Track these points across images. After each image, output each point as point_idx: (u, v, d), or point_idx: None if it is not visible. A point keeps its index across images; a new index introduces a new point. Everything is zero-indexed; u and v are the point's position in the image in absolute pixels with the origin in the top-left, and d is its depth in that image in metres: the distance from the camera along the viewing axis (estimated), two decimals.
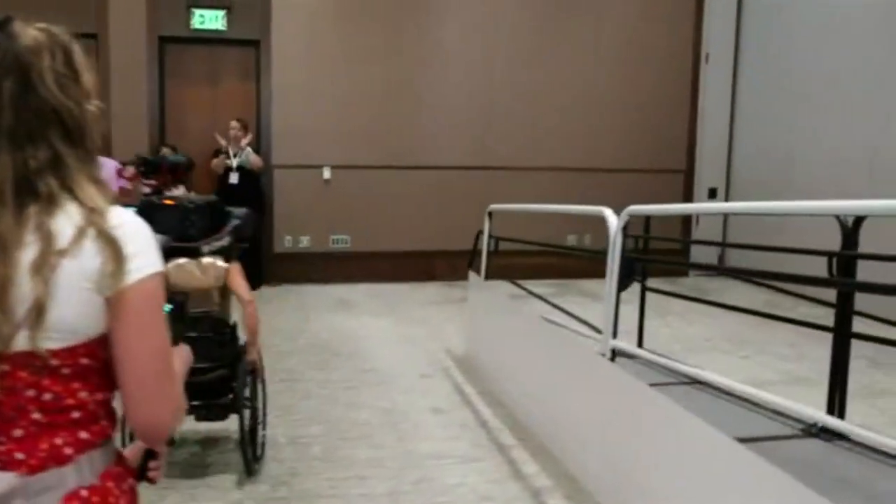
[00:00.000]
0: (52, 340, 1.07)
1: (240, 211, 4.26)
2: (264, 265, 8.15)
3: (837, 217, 3.64)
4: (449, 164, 8.46)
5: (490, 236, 5.19)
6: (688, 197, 9.19)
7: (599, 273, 5.23)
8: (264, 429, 3.75)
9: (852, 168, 7.23)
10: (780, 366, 5.44)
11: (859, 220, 3.48)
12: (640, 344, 5.52)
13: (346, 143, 8.21)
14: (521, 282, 8.50)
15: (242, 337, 3.65)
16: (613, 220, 3.29)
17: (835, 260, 3.63)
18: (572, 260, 8.29)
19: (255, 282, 8.02)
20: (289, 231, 8.23)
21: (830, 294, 3.59)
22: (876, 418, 4.47)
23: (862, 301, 3.52)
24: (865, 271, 3.33)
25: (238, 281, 3.64)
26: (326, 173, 8.20)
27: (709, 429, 2.48)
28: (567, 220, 8.79)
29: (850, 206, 3.09)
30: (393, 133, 8.31)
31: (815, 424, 3.85)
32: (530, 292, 8.25)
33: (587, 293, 7.76)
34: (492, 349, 5.08)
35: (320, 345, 5.86)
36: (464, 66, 8.45)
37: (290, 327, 6.38)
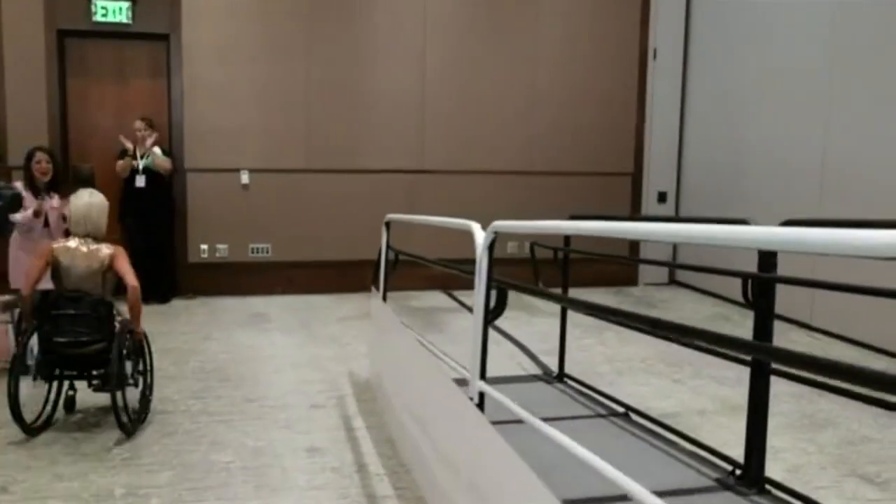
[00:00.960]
0: None
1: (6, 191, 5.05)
2: (177, 276, 7.55)
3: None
4: (380, 167, 7.90)
5: (389, 248, 4.63)
6: (636, 201, 8.69)
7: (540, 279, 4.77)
8: (150, 394, 4.40)
9: (803, 173, 6.74)
10: (715, 391, 4.92)
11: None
12: (561, 368, 5.02)
13: (265, 145, 7.63)
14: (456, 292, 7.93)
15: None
16: (479, 237, 2.74)
17: (750, 283, 3.12)
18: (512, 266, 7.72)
19: (165, 293, 7.49)
20: (204, 239, 7.63)
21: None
22: (811, 457, 3.96)
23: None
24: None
25: (124, 266, 4.19)
26: (244, 177, 7.61)
27: (541, 489, 1.96)
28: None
29: (755, 236, 2.55)
30: (317, 134, 7.73)
31: (732, 472, 3.34)
32: (461, 303, 7.70)
33: (520, 306, 7.22)
34: (387, 376, 4.52)
35: (212, 368, 5.27)
36: (394, 64, 7.89)
37: (187, 347, 5.79)
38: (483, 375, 2.81)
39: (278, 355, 5.62)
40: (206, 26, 7.41)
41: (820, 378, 2.41)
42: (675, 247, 8.67)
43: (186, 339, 6.04)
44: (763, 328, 3.03)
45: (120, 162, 7.07)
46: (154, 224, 7.20)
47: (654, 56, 8.45)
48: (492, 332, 4.90)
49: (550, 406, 4.30)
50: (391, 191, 7.91)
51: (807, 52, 6.74)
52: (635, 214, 8.67)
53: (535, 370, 5.29)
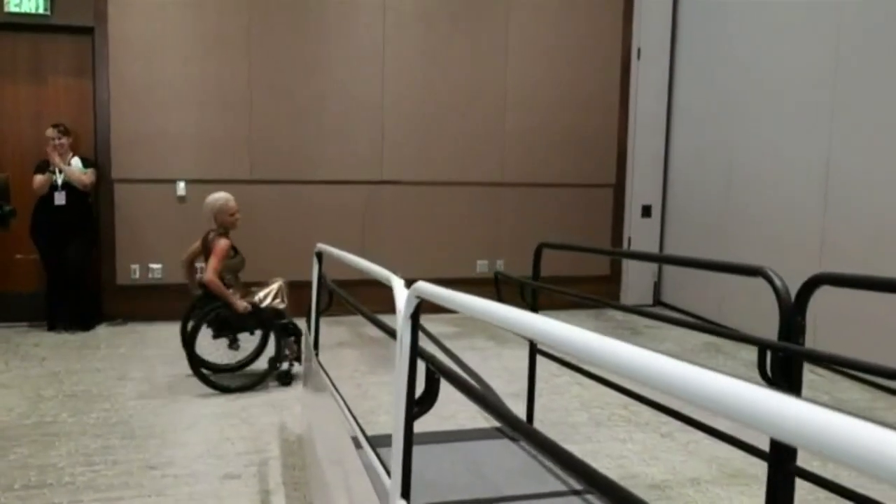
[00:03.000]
0: None
1: None
2: (102, 300, 6.72)
3: (771, 283, 2.35)
4: (333, 178, 7.10)
5: (322, 284, 3.83)
6: (618, 215, 7.93)
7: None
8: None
9: (804, 186, 6.00)
10: (711, 450, 4.14)
11: (811, 285, 2.20)
12: (529, 418, 4.25)
13: (204, 152, 6.81)
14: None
15: None
16: (400, 300, 1.96)
17: (770, 355, 2.37)
18: (482, 287, 6.93)
19: (88, 320, 6.66)
20: (135, 259, 6.80)
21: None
22: None
23: None
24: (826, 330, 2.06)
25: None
26: (181, 189, 6.79)
27: None
28: (477, 242, 7.50)
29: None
30: (263, 141, 6.92)
31: None
32: (428, 334, 6.91)
33: (488, 334, 6.44)
34: (317, 437, 3.74)
35: (116, 421, 4.45)
36: (350, 63, 7.09)
37: (96, 391, 4.97)
38: (406, 493, 2.03)
39: (200, 403, 4.80)
40: (136, 19, 6.58)
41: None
42: (660, 268, 7.93)
43: (98, 379, 5.22)
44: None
45: (38, 177, 6.23)
46: (74, 242, 6.35)
47: (639, 56, 7.70)
48: (452, 365, 4.12)
49: (507, 479, 3.53)
50: (347, 204, 7.12)
51: (809, 55, 6.00)
52: (617, 232, 7.92)
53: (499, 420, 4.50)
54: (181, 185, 6.78)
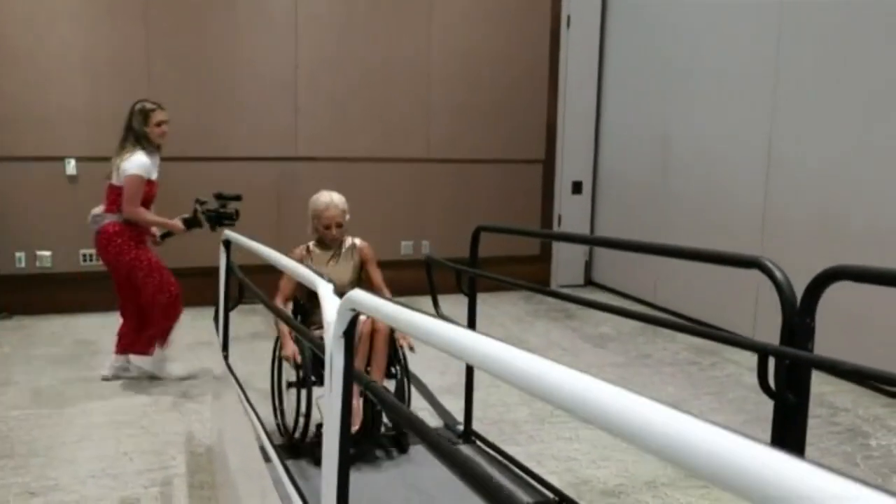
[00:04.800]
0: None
1: None
2: None
3: (769, 272, 1.99)
4: (243, 154, 6.53)
5: (230, 275, 3.33)
6: (548, 192, 7.60)
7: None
8: None
9: (746, 161, 5.77)
10: None
11: (824, 280, 1.84)
12: (468, 422, 3.86)
13: (97, 127, 6.11)
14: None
15: None
16: (330, 312, 1.51)
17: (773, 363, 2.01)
18: (408, 270, 6.52)
19: None
20: (21, 246, 6.09)
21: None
22: None
23: None
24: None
25: None
26: (70, 167, 6.11)
27: None
28: (401, 223, 7.05)
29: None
30: (173, 117, 6.27)
31: None
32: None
33: None
34: (228, 448, 3.27)
35: None
36: (260, 31, 6.50)
37: None
38: None
39: (94, 410, 4.24)
40: None
41: None
42: (591, 247, 7.64)
43: None
44: (793, 440, 1.90)
45: None
46: None
47: (568, 25, 7.34)
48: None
49: (447, 496, 3.14)
50: (258, 182, 6.55)
51: (750, 27, 5.74)
52: (547, 209, 7.59)
53: (436, 420, 4.10)
54: (71, 164, 6.10)
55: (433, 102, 7.05)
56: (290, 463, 2.76)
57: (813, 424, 3.20)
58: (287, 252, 2.79)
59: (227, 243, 3.28)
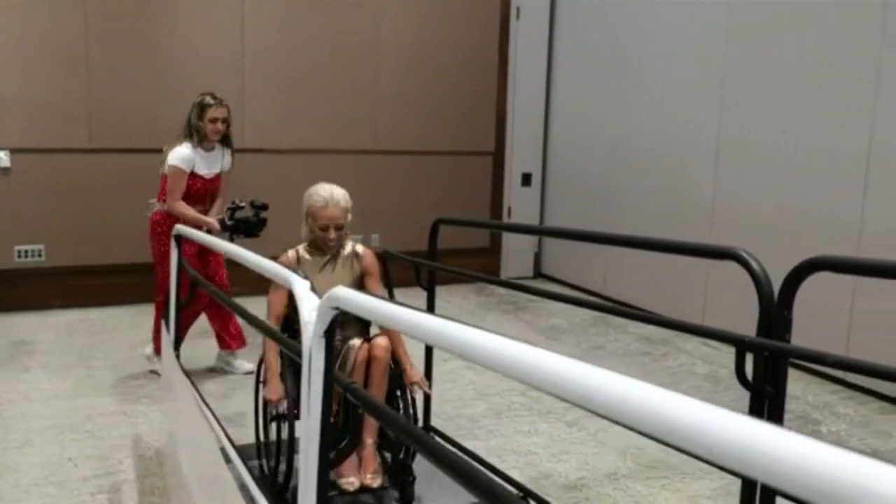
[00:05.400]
0: None
1: None
2: None
3: (746, 263, 1.97)
4: None
5: (182, 271, 3.20)
6: (498, 184, 7.57)
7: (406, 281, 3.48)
8: None
9: (695, 151, 5.82)
10: (622, 439, 3.82)
11: (803, 271, 1.82)
12: (426, 417, 3.79)
13: (32, 117, 5.86)
14: None
15: None
16: (308, 312, 1.42)
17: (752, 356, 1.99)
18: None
19: None
20: None
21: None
22: None
23: None
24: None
25: None
26: (4, 159, 5.84)
27: None
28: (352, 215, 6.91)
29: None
30: (105, 106, 6.05)
31: None
32: None
33: None
34: (181, 451, 3.15)
35: None
36: (205, 18, 6.31)
37: None
38: None
39: (34, 413, 4.04)
40: None
41: None
42: (540, 239, 7.65)
43: None
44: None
45: None
46: None
47: (518, 16, 7.31)
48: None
49: (425, 487, 3.08)
50: None
51: (700, 16, 5.78)
52: (497, 201, 7.56)
53: None
54: (4, 155, 5.83)
55: (382, 93, 6.95)
56: (253, 464, 2.66)
57: None
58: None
59: (178, 238, 3.15)
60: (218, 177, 4.54)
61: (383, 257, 3.69)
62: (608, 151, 6.75)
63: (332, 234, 2.99)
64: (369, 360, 2.84)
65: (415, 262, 3.54)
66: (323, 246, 3.02)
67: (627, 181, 6.53)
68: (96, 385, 4.48)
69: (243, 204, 4.45)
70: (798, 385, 4.75)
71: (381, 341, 2.88)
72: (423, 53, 7.02)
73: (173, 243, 3.15)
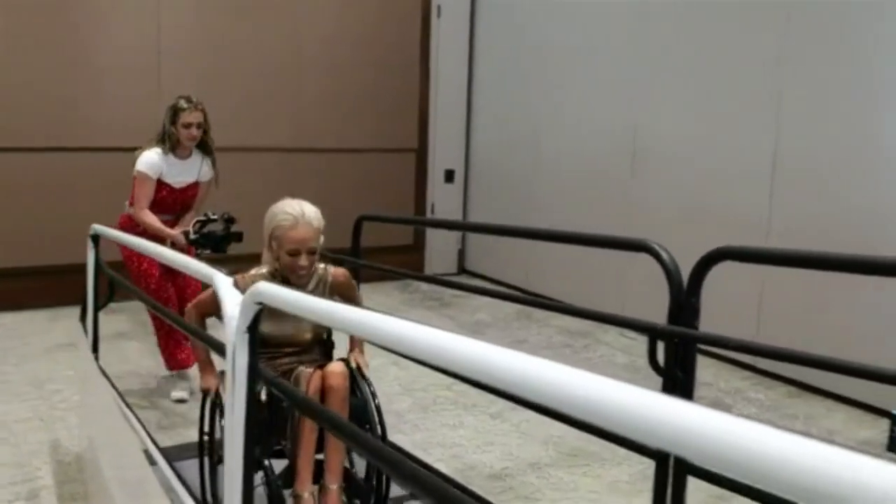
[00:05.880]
0: None
1: None
2: None
3: (657, 255, 2.06)
4: (102, 144, 6.16)
5: (99, 271, 3.14)
6: (421, 181, 7.62)
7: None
8: None
9: (612, 150, 5.98)
10: (545, 429, 3.91)
11: (710, 261, 1.92)
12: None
13: None
14: None
15: None
16: (231, 306, 1.44)
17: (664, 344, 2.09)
18: None
19: None
20: None
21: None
22: None
23: None
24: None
25: None
26: None
27: None
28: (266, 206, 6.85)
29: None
30: (12, 101, 5.85)
31: None
32: None
33: None
34: (100, 454, 3.10)
35: None
36: (119, 12, 6.16)
37: None
38: None
39: None
40: None
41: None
42: (463, 235, 7.73)
43: None
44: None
45: None
46: None
47: (439, 14, 7.36)
48: None
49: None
50: (120, 175, 6.20)
51: (616, 15, 5.94)
52: (420, 198, 7.61)
53: None
54: None
55: (303, 91, 6.91)
56: (179, 465, 2.64)
57: None
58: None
59: (96, 238, 3.09)
60: (192, 187, 4.24)
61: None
62: (529, 148, 6.88)
63: (304, 261, 2.51)
64: (324, 391, 2.45)
65: (338, 260, 3.56)
66: (289, 276, 2.54)
67: (549, 177, 6.66)
68: (10, 391, 4.34)
69: (215, 217, 4.11)
70: (710, 372, 4.94)
71: (337, 367, 2.51)
72: (345, 51, 7.01)
73: (90, 243, 3.09)
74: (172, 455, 2.99)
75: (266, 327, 2.35)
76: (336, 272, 2.73)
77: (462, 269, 7.83)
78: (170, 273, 4.12)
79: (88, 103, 6.13)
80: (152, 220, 4.04)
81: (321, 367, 2.52)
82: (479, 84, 7.57)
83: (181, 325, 2.32)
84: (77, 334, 3.67)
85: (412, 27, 7.30)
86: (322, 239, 2.60)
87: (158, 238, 3.80)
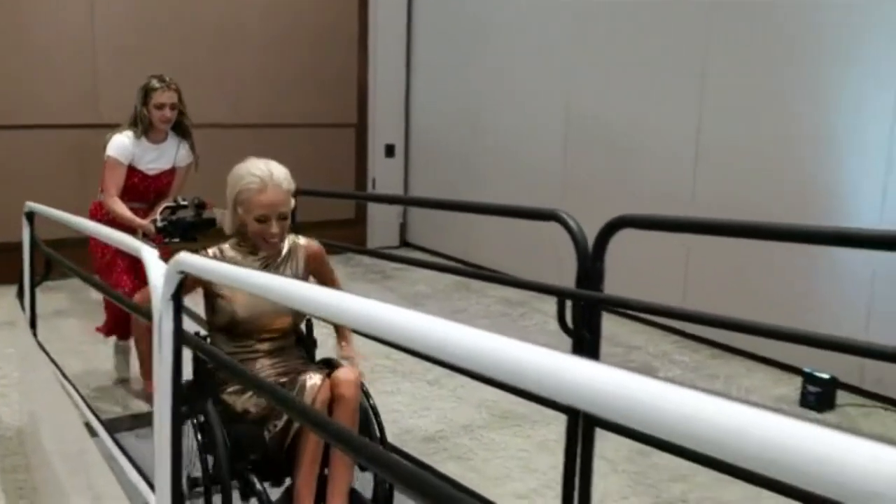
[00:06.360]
0: None
1: None
2: None
3: (565, 223, 2.21)
4: (34, 121, 6.11)
5: (35, 249, 3.18)
6: (361, 156, 7.69)
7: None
8: None
9: (547, 124, 6.14)
10: (479, 393, 4.07)
11: (611, 228, 2.07)
12: None
13: None
14: None
15: None
16: (157, 277, 1.54)
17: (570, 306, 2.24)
18: None
19: None
20: None
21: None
22: (609, 482, 3.25)
23: None
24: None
25: None
26: None
27: None
28: (208, 191, 6.88)
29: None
30: None
31: None
32: None
33: None
34: (43, 428, 3.16)
35: None
36: None
37: None
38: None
39: None
40: None
41: None
42: (405, 209, 7.84)
43: None
44: None
45: None
46: None
47: None
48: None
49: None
50: (56, 152, 6.18)
51: None
52: (361, 173, 7.69)
53: None
54: None
55: (242, 66, 6.91)
56: (120, 436, 2.72)
57: (612, 363, 3.55)
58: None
59: (31, 215, 3.14)
60: (167, 174, 3.93)
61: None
62: (468, 123, 7.00)
63: (275, 228, 2.29)
64: (332, 402, 2.21)
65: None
66: (259, 244, 2.34)
67: (487, 152, 6.80)
68: None
69: (185, 202, 3.76)
70: (643, 337, 5.16)
71: (348, 374, 2.27)
72: (283, 26, 7.02)
73: (24, 220, 3.13)
74: (113, 427, 3.07)
75: (241, 310, 2.30)
76: (310, 245, 2.50)
77: (404, 243, 7.95)
78: (136, 269, 3.65)
79: (20, 81, 6.06)
80: (121, 209, 3.69)
81: (328, 375, 2.25)
82: (417, 59, 7.65)
83: (121, 300, 2.39)
84: (16, 312, 3.69)
85: (350, 2, 7.33)
86: (293, 203, 2.37)
87: (129, 228, 3.42)
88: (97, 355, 4.61)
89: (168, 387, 1.58)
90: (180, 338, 1.55)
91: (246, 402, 2.32)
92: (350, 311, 1.02)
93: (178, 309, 1.52)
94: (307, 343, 2.65)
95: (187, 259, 1.43)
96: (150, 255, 1.59)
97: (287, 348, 2.46)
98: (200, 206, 3.76)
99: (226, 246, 2.40)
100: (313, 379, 2.19)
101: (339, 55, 7.36)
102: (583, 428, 2.17)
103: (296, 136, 7.21)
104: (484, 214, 2.42)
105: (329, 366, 2.39)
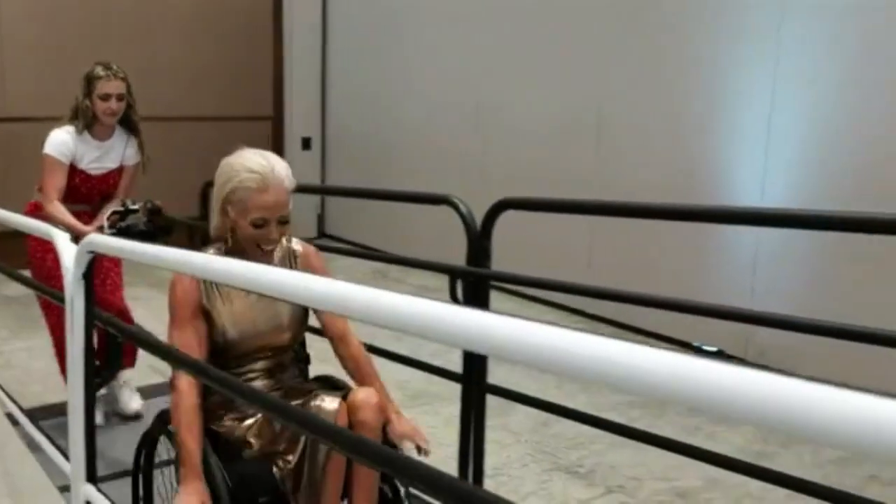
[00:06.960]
0: None
1: None
2: None
3: (458, 210, 2.40)
4: None
5: None
6: (278, 149, 7.74)
7: None
8: None
9: (459, 115, 6.34)
10: (396, 375, 4.23)
11: (496, 210, 2.26)
12: None
13: None
14: None
15: None
16: (67, 258, 1.66)
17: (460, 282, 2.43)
18: None
19: None
20: None
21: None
22: (511, 451, 3.46)
23: None
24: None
25: None
26: None
27: None
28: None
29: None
30: None
31: None
32: None
33: (152, 281, 5.98)
34: None
35: None
36: None
37: None
38: (92, 475, 1.76)
39: None
40: None
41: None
42: (322, 200, 7.95)
43: None
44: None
45: None
46: None
47: None
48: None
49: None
50: None
51: None
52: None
53: None
54: None
55: (155, 59, 6.88)
56: (45, 423, 2.77)
57: None
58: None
59: None
60: (113, 174, 3.55)
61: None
62: (384, 115, 7.14)
63: (274, 234, 1.97)
64: (351, 428, 1.92)
65: (188, 225, 3.75)
66: (251, 252, 1.97)
67: (403, 143, 6.96)
68: None
69: (135, 207, 3.35)
70: (531, 312, 5.38)
71: (370, 397, 1.98)
72: (196, 18, 7.03)
73: None
74: (37, 415, 3.10)
75: (233, 330, 1.99)
76: (307, 249, 2.20)
77: (322, 233, 8.05)
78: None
79: None
80: (62, 213, 3.27)
81: (344, 397, 1.98)
82: (333, 52, 7.74)
83: (32, 284, 2.45)
84: None
85: None
86: (291, 204, 2.03)
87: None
88: (8, 350, 4.61)
89: (80, 364, 1.70)
90: (92, 315, 1.67)
91: (245, 430, 1.97)
92: (275, 284, 1.14)
93: (90, 288, 1.64)
94: (300, 360, 2.39)
95: (98, 239, 1.55)
96: (61, 239, 1.71)
97: (286, 366, 2.19)
98: (154, 212, 3.36)
99: (211, 250, 2.04)
100: (329, 403, 1.90)
101: (255, 47, 7.40)
102: (475, 395, 2.36)
103: (211, 129, 7.22)
104: (381, 200, 2.57)
105: (334, 386, 2.15)
